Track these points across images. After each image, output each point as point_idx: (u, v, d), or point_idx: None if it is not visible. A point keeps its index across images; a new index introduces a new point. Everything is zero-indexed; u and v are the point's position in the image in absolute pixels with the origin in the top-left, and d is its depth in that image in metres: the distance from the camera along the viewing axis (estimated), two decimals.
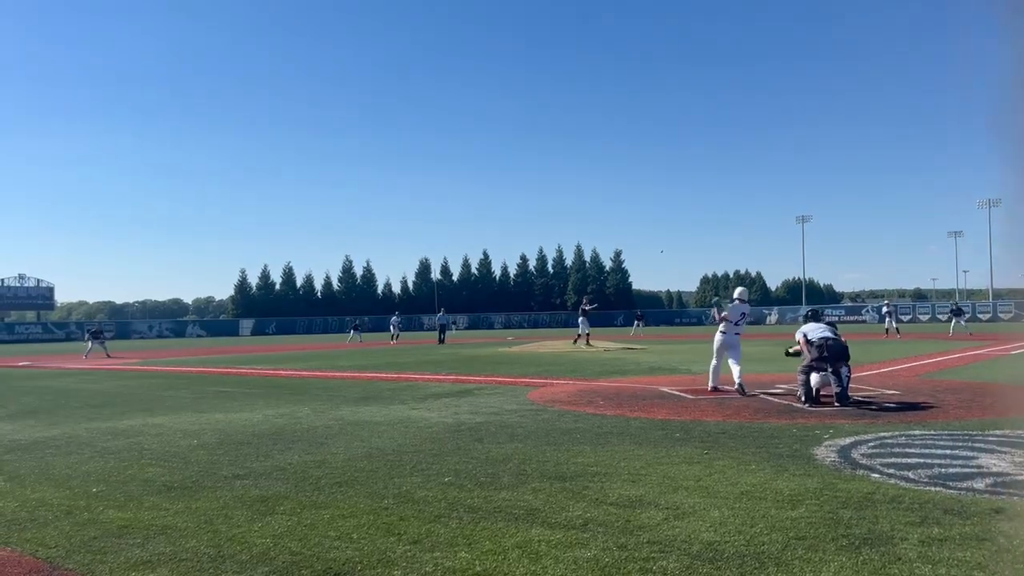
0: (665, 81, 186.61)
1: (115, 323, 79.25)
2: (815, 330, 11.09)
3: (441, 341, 38.38)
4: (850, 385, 10.78)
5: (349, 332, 48.56)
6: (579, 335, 29.23)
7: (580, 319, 30.30)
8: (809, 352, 10.81)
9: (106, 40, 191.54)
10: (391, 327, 44.25)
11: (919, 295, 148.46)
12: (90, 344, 32.67)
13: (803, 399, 10.60)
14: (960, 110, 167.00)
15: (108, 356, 31.22)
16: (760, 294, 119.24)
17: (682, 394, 12.00)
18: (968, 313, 37.41)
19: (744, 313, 12.40)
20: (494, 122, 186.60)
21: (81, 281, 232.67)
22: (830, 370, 10.51)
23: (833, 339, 10.69)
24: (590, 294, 67.24)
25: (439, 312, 42.89)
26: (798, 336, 11.28)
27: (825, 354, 10.55)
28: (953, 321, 37.91)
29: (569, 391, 13.12)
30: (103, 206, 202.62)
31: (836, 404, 10.16)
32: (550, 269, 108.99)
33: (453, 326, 50.63)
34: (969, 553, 4.14)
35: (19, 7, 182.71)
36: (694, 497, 5.49)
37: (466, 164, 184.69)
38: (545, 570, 4.04)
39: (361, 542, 4.58)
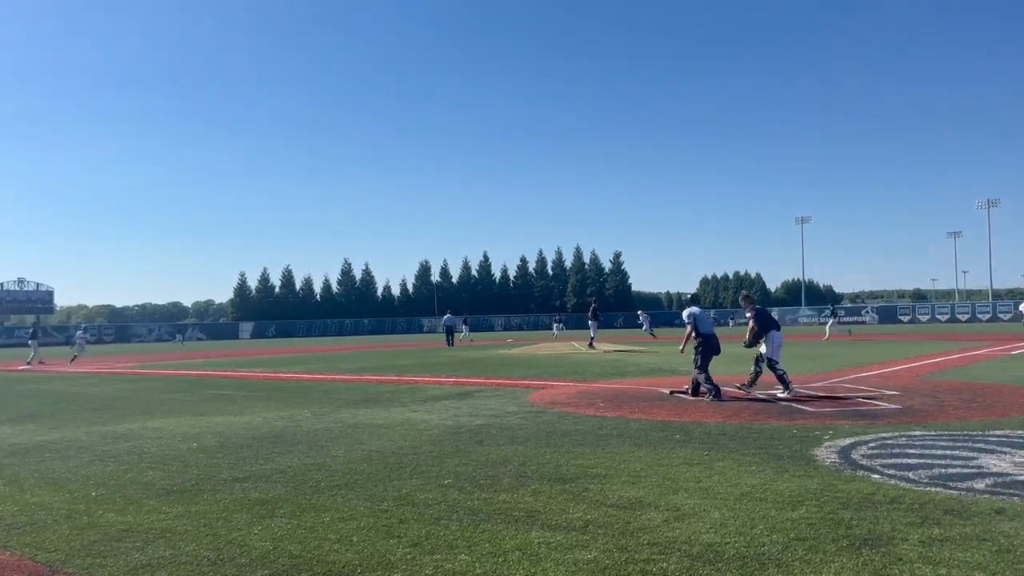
0: (665, 83, 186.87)
1: (114, 326, 79.28)
2: (702, 318, 12.04)
3: (450, 344, 37.41)
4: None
5: (463, 330, 49.66)
6: (592, 337, 28.88)
7: (591, 322, 29.61)
8: (696, 342, 11.73)
9: (104, 43, 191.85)
10: (449, 328, 39.90)
11: (919, 296, 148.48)
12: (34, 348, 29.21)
13: (712, 395, 11.28)
14: (959, 111, 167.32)
15: (39, 362, 28.23)
16: (760, 295, 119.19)
17: (682, 395, 11.99)
18: (843, 314, 38.15)
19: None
20: (493, 124, 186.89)
21: (81, 284, 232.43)
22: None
23: (715, 335, 11.84)
24: (591, 296, 66.95)
25: (446, 314, 42.03)
26: (687, 319, 12.05)
27: (704, 349, 11.60)
28: (830, 322, 38.54)
29: (569, 393, 13.12)
30: (103, 209, 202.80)
31: (710, 398, 11.26)
32: (550, 271, 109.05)
33: (464, 327, 50.36)
34: (970, 554, 4.14)
35: (15, 10, 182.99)
36: (694, 498, 5.49)
37: (466, 166, 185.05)
38: (545, 572, 4.03)
39: (361, 545, 4.58)
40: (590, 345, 28.44)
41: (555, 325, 53.67)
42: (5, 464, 7.75)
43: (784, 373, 11.68)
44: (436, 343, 40.54)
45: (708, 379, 11.52)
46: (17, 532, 5.12)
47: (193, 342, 64.08)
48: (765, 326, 11.92)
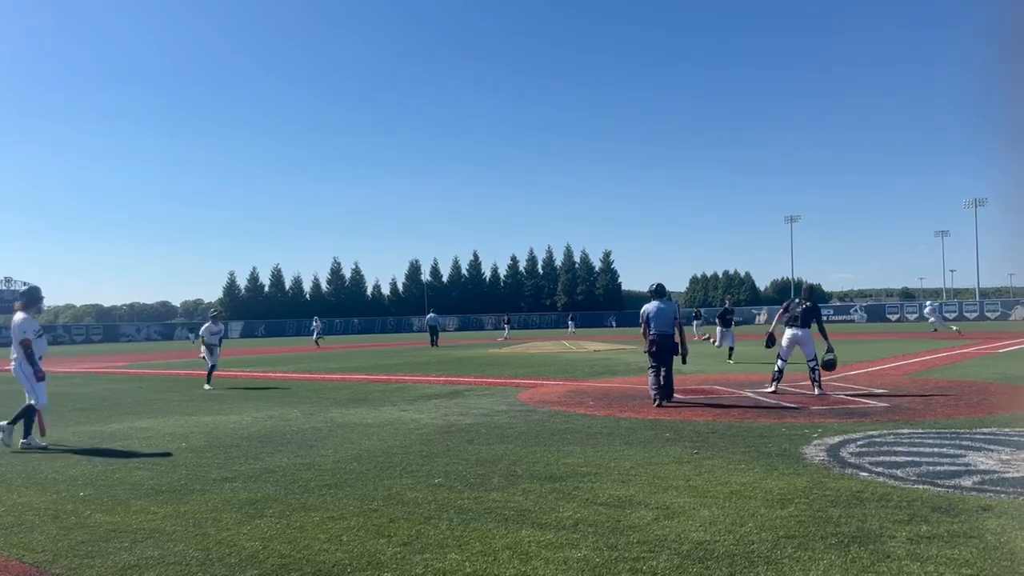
0: (655, 82, 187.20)
1: (102, 326, 78.81)
2: (658, 316, 11.13)
3: (433, 344, 35.98)
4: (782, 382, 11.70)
5: (503, 328, 50.65)
6: (727, 346, 21.52)
7: (720, 328, 22.49)
8: (647, 344, 11.08)
9: (94, 39, 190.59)
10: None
11: (907, 294, 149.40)
12: None
13: (654, 400, 10.78)
14: (946, 111, 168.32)
15: None
16: (749, 294, 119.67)
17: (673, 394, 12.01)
18: (702, 319, 40.36)
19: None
20: (484, 122, 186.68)
21: (68, 284, 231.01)
22: (660, 368, 10.90)
23: (667, 336, 11.04)
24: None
25: (429, 313, 41.41)
26: (641, 317, 11.38)
27: (654, 349, 10.96)
28: (694, 324, 40.31)
29: (559, 392, 13.13)
30: (91, 208, 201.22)
31: (654, 404, 10.69)
32: (540, 270, 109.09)
33: (506, 326, 51.51)
34: (957, 550, 4.16)
35: (3, 5, 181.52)
36: (684, 497, 5.50)
37: (456, 164, 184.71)
38: (535, 571, 4.03)
39: (351, 544, 4.57)
40: (721, 347, 22.22)
41: (505, 327, 52.72)
42: None
43: (780, 370, 11.95)
44: (426, 342, 40.37)
45: (655, 382, 10.86)
46: (4, 533, 5.08)
47: (143, 343, 63.31)
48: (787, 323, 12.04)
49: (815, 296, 12.72)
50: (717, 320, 22.87)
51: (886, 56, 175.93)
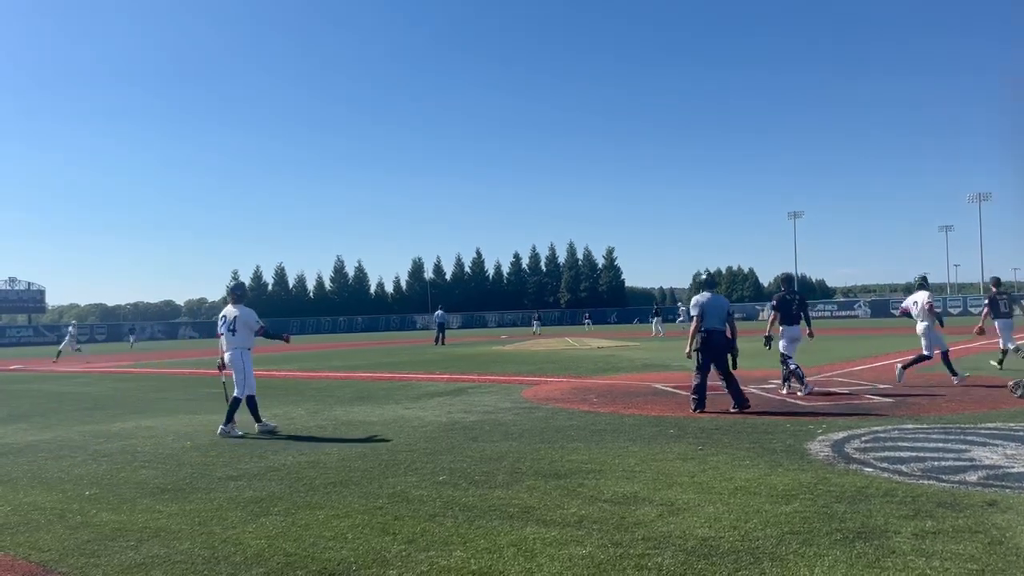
0: (657, 79, 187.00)
1: (106, 325, 78.96)
2: (712, 310, 9.96)
3: (438, 342, 35.08)
4: (807, 379, 11.10)
5: (534, 325, 53.65)
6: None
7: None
8: (696, 339, 9.95)
9: (97, 39, 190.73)
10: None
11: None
12: None
13: (693, 406, 9.71)
14: (950, 105, 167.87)
15: None
16: (752, 290, 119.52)
17: (675, 391, 12.01)
18: (662, 316, 41.28)
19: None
20: (486, 121, 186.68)
21: (72, 283, 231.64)
22: (709, 368, 9.83)
23: (720, 332, 9.89)
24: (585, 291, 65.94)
25: (437, 310, 40.11)
26: (692, 310, 10.13)
27: (707, 347, 9.85)
28: (654, 321, 40.74)
29: (563, 389, 13.13)
30: (94, 208, 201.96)
31: (732, 409, 9.61)
32: (543, 267, 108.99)
33: (536, 322, 54.14)
34: (962, 546, 4.16)
35: (6, 6, 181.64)
36: (688, 493, 5.50)
37: (458, 163, 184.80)
38: (540, 568, 4.03)
39: (356, 542, 4.58)
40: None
41: (535, 323, 55.08)
42: None
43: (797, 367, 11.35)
44: (428, 339, 40.43)
45: (698, 387, 9.80)
46: (11, 532, 5.10)
47: (144, 342, 61.59)
48: (782, 319, 11.57)
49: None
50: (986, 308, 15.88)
51: (887, 51, 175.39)
